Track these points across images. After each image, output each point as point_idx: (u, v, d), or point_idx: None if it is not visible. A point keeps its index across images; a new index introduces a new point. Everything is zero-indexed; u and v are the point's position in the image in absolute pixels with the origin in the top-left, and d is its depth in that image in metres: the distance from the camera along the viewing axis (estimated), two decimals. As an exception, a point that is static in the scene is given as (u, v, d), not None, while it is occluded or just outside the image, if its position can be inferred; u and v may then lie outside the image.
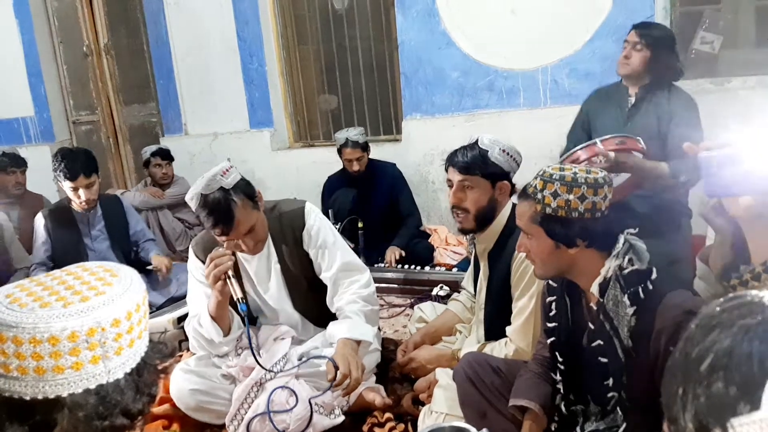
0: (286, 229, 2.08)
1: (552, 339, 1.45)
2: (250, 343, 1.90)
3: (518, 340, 1.79)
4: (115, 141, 5.25)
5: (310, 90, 4.50)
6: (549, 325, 1.46)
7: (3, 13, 5.13)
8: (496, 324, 1.91)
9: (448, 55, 3.66)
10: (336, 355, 1.85)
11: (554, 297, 1.45)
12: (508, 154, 1.86)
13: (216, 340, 2.01)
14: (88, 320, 0.76)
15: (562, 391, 1.44)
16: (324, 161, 3.99)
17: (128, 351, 0.81)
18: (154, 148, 4.10)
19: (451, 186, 1.90)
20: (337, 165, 3.71)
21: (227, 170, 1.89)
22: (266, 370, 1.94)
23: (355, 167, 3.48)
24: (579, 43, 3.30)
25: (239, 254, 2.06)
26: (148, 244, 3.26)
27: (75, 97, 5.34)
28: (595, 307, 1.32)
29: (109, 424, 0.79)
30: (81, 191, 2.88)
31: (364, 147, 3.49)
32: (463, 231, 1.97)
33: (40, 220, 3.05)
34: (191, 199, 1.88)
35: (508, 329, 1.84)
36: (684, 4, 3.19)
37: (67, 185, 2.87)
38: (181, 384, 2.02)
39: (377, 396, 2.02)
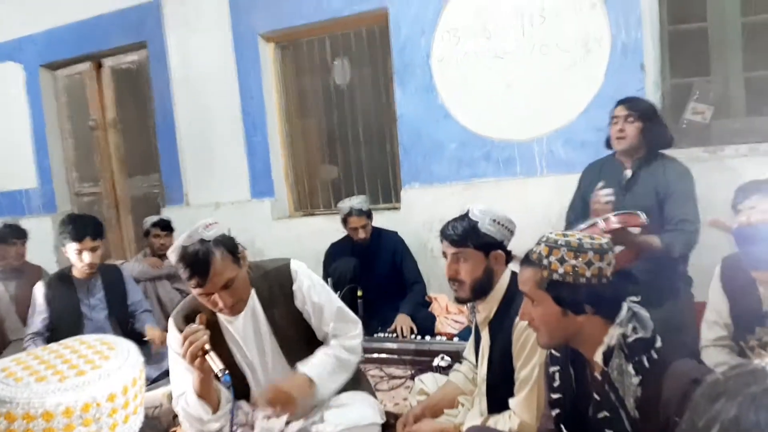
0: (274, 287, 2.03)
1: (557, 411, 1.41)
2: (232, 419, 1.80)
3: (522, 413, 1.74)
4: (116, 212, 5.30)
5: (312, 160, 4.58)
6: (553, 396, 1.42)
7: (15, 90, 5.33)
8: (499, 395, 1.86)
9: (445, 127, 3.76)
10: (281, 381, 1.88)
11: (558, 367, 1.42)
12: (499, 223, 1.87)
13: (204, 418, 1.92)
14: (84, 395, 0.74)
15: (569, 466, 1.38)
16: (324, 230, 4.01)
17: (123, 427, 0.79)
18: (154, 218, 4.13)
19: (446, 257, 1.91)
20: (336, 233, 3.72)
21: (210, 224, 1.88)
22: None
23: (361, 235, 3.50)
24: (573, 114, 3.40)
25: (222, 318, 1.99)
26: (144, 315, 3.22)
27: (79, 169, 5.44)
28: (599, 377, 1.29)
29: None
30: (85, 254, 2.88)
31: (369, 214, 3.53)
32: (460, 300, 1.98)
33: (40, 290, 3.02)
34: (172, 252, 1.85)
35: (512, 401, 1.79)
36: (674, 77, 3.31)
37: (72, 247, 2.87)
38: (176, 462, 1.93)
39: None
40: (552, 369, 1.43)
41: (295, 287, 2.03)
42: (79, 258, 2.90)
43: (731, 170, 2.87)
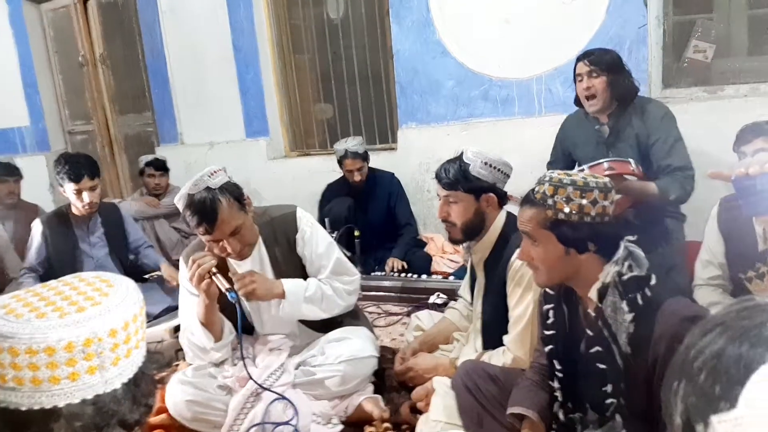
0: (279, 233, 2.09)
1: (550, 347, 1.45)
2: (241, 345, 1.90)
3: (516, 349, 1.79)
4: (110, 150, 5.25)
5: (306, 99, 4.51)
6: (546, 333, 1.46)
7: (0, 24, 5.16)
8: (493, 333, 1.91)
9: (442, 64, 3.68)
10: None
11: (551, 305, 1.45)
12: (491, 166, 1.87)
13: (207, 347, 2.00)
14: (85, 330, 0.75)
15: (560, 398, 1.43)
16: (319, 170, 3.99)
17: (125, 361, 0.80)
18: (149, 157, 4.10)
19: (440, 199, 1.94)
20: (332, 174, 3.71)
21: (215, 172, 1.91)
22: (258, 384, 1.93)
23: (357, 177, 3.50)
24: (573, 52, 3.31)
25: (231, 262, 2.05)
26: (149, 251, 3.28)
27: (71, 107, 5.35)
28: (593, 314, 1.32)
29: (106, 435, 0.78)
30: (84, 194, 2.88)
31: (364, 157, 3.51)
32: (453, 241, 2.01)
33: (37, 227, 3.03)
34: (179, 200, 1.89)
35: (506, 338, 1.84)
36: (677, 14, 3.22)
37: (70, 188, 2.86)
38: (178, 395, 2.00)
39: (375, 407, 2.01)
40: (546, 307, 1.46)
41: (298, 236, 2.09)
42: (78, 198, 2.90)
43: (732, 111, 2.84)
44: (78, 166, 2.86)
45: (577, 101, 2.58)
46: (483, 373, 1.68)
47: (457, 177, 1.86)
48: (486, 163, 1.86)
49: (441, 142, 3.64)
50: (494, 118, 3.60)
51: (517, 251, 1.72)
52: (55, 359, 0.74)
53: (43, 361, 0.73)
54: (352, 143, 3.49)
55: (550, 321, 1.44)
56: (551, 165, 2.83)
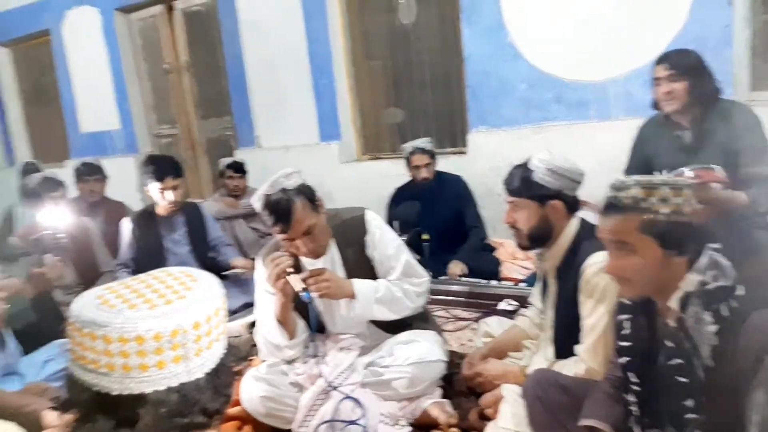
0: (349, 235, 2.14)
1: (625, 358, 1.39)
2: (312, 344, 1.96)
3: (589, 360, 1.73)
4: (193, 153, 5.51)
5: (377, 104, 4.56)
6: (622, 344, 1.41)
7: (93, 33, 5.53)
8: (565, 342, 1.86)
9: (514, 67, 3.62)
10: None
11: (627, 315, 1.39)
12: (557, 173, 1.81)
13: (281, 344, 2.07)
14: (171, 322, 0.80)
15: (635, 412, 1.38)
16: (390, 174, 4.02)
17: (207, 353, 0.85)
18: (229, 160, 4.27)
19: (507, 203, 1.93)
20: (402, 178, 3.73)
21: (290, 174, 1.99)
22: (328, 383, 1.98)
23: (423, 174, 3.49)
24: (653, 53, 3.18)
25: (305, 261, 2.11)
26: (228, 249, 3.42)
27: (157, 112, 5.66)
28: (673, 324, 1.26)
29: (189, 421, 0.82)
30: (167, 193, 3.05)
31: (432, 155, 3.51)
32: (521, 247, 1.99)
33: (127, 225, 3.23)
34: (256, 201, 1.99)
35: (578, 348, 1.78)
36: (766, 12, 3.02)
37: (155, 187, 3.04)
38: (252, 391, 2.07)
39: (441, 412, 2.01)
40: (621, 317, 1.41)
41: (367, 237, 2.14)
42: (161, 197, 3.06)
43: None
44: (162, 166, 3.03)
45: (655, 105, 2.46)
46: (554, 383, 1.64)
47: (521, 183, 1.84)
48: (551, 170, 1.81)
49: (512, 146, 3.59)
50: (568, 121, 3.51)
51: (592, 259, 1.68)
52: (144, 348, 0.79)
53: (133, 350, 0.78)
54: (420, 141, 3.52)
55: (625, 331, 1.39)
56: (629, 172, 2.71)
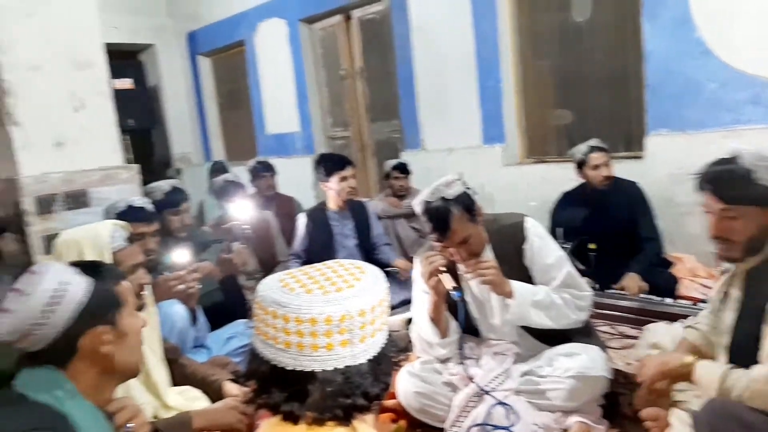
0: (507, 242, 2.11)
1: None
2: (463, 345, 1.97)
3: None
4: (362, 155, 5.80)
5: (544, 105, 4.42)
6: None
7: (280, 44, 6.08)
8: (743, 354, 1.60)
9: (703, 64, 3.28)
10: None
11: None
12: None
13: (433, 342, 2.11)
14: (341, 308, 0.88)
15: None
16: (554, 178, 3.88)
17: (370, 340, 0.91)
18: (394, 162, 4.44)
19: (708, 212, 1.62)
20: (567, 183, 3.57)
21: (451, 182, 2.01)
22: (480, 387, 1.97)
23: (604, 173, 3.23)
24: None
25: (462, 269, 2.12)
26: (387, 248, 3.58)
27: (332, 115, 6.06)
28: None
29: (351, 402, 0.89)
30: (350, 180, 3.36)
31: (609, 154, 3.31)
32: (729, 260, 1.68)
33: (302, 219, 3.55)
34: (417, 205, 2.04)
35: (755, 370, 1.53)
36: None
37: (337, 176, 3.35)
38: (407, 386, 2.14)
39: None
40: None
41: (526, 245, 2.09)
42: (345, 184, 3.36)
43: None
44: (338, 159, 3.39)
45: None
46: (737, 418, 1.42)
47: (738, 186, 1.52)
48: None
49: (697, 151, 3.23)
50: (765, 125, 3.10)
51: None
52: (316, 329, 0.87)
53: (307, 330, 0.87)
54: (594, 141, 3.32)
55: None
56: None
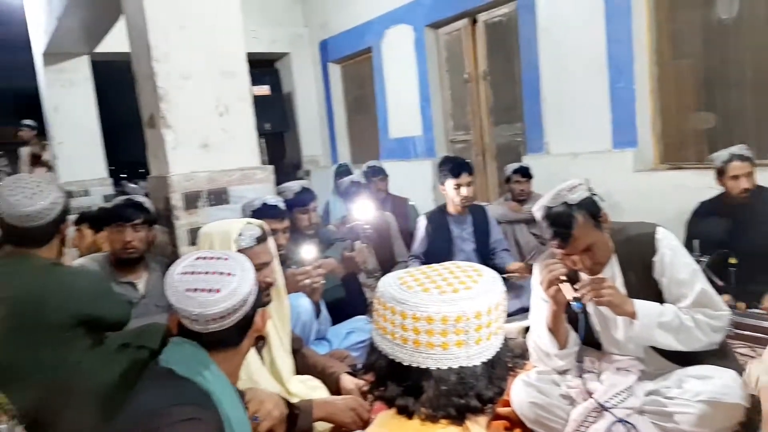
0: (635, 254, 1.97)
1: None
2: (582, 358, 1.89)
3: None
4: (482, 158, 5.76)
5: (683, 107, 4.11)
6: None
7: (406, 49, 6.21)
8: None
9: None
10: None
11: None
12: None
13: (551, 353, 2.04)
14: (456, 308, 0.90)
15: None
16: (692, 186, 3.60)
17: (485, 343, 0.92)
18: (516, 165, 4.36)
19: None
20: (707, 191, 3.30)
21: (574, 186, 1.92)
22: (599, 404, 1.88)
23: (744, 185, 3.00)
24: None
25: (580, 283, 2.03)
26: (504, 254, 3.54)
27: (454, 119, 6.07)
28: None
29: (465, 403, 0.91)
30: (462, 188, 3.37)
31: (752, 164, 3.03)
32: None
33: (422, 221, 3.62)
34: (537, 210, 1.96)
35: None
36: None
37: (450, 183, 3.38)
38: (522, 395, 2.10)
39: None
40: None
41: (656, 258, 1.94)
42: (456, 192, 3.38)
43: None
44: (457, 164, 3.39)
45: None
46: None
47: None
48: None
49: None
50: None
51: None
52: (432, 327, 0.90)
53: (423, 328, 0.90)
54: (737, 148, 3.05)
55: None
56: None
